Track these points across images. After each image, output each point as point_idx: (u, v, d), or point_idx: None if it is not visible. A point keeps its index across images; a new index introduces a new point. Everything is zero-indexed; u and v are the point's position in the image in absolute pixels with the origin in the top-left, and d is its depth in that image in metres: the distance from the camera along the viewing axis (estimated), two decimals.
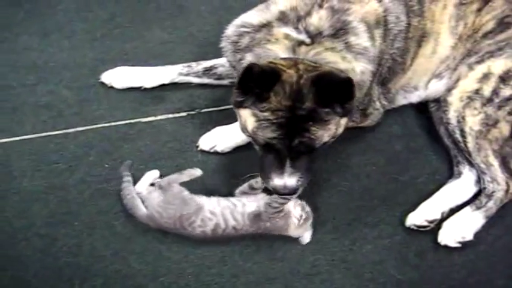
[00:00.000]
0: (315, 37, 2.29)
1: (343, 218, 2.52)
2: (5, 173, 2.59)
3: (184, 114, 2.83)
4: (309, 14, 2.33)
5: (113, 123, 2.78)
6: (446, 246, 2.43)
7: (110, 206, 2.50)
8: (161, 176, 2.49)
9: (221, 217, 2.33)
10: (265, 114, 2.16)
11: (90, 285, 2.31)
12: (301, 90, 2.12)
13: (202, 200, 2.38)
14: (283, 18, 2.35)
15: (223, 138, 2.66)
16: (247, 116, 2.22)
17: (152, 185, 2.46)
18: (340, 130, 2.29)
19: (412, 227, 2.48)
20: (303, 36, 2.29)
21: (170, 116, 2.82)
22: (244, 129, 2.29)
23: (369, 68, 2.39)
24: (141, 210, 2.38)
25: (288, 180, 2.22)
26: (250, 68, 2.09)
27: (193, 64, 2.92)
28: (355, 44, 2.34)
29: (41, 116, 2.79)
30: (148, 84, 2.89)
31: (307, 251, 2.42)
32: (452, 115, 2.53)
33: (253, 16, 2.44)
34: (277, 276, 2.37)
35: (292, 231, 2.37)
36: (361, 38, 2.36)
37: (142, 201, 2.40)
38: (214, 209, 2.34)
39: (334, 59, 2.28)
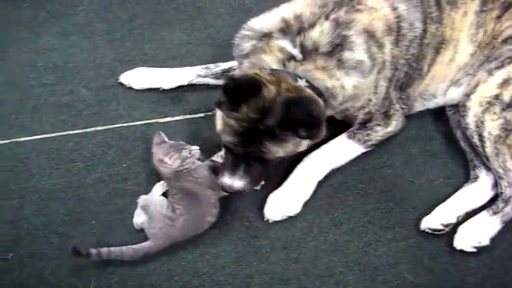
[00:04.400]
0: (309, 53, 2.35)
1: (358, 220, 2.52)
2: (25, 171, 2.63)
3: (201, 115, 2.85)
4: (312, 26, 2.37)
5: (130, 123, 2.80)
6: (461, 251, 2.42)
7: (126, 205, 2.52)
8: None
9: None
10: (231, 121, 2.29)
11: (106, 283, 2.33)
12: (271, 108, 2.21)
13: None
14: (285, 28, 2.40)
15: None
16: (218, 117, 2.38)
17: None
18: (301, 149, 2.42)
19: (427, 230, 2.47)
20: (295, 51, 2.35)
21: (188, 116, 2.84)
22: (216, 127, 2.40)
23: (362, 81, 2.42)
24: (145, 245, 2.36)
25: (235, 182, 2.38)
26: (235, 80, 2.25)
27: (212, 66, 2.93)
28: (348, 59, 2.38)
29: (61, 115, 2.82)
30: (167, 85, 2.91)
31: (321, 253, 2.43)
32: (471, 120, 2.53)
33: (259, 22, 2.50)
34: (291, 277, 2.37)
35: None
36: (356, 52, 2.39)
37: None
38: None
39: (321, 76, 2.34)
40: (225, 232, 2.47)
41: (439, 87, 2.71)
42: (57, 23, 3.19)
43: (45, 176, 2.61)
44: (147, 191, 2.52)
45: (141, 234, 2.41)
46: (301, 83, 2.30)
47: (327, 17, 2.38)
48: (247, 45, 2.47)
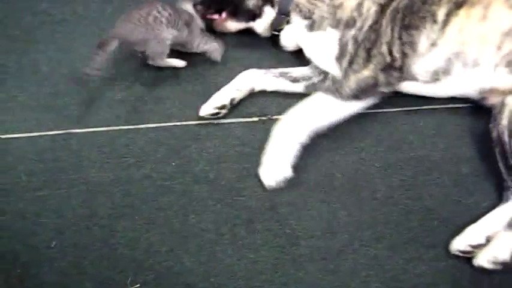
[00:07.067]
0: None
1: (401, 236, 2.46)
2: (75, 163, 2.67)
3: (255, 119, 2.84)
4: None
5: (184, 123, 2.82)
6: (503, 275, 2.32)
7: (170, 204, 2.53)
8: None
9: None
10: None
11: (142, 279, 2.34)
12: None
13: None
14: None
15: None
16: None
17: None
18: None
19: (457, 253, 2.36)
20: None
21: (241, 120, 2.84)
22: None
23: None
24: None
25: None
26: None
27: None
28: None
29: (116, 110, 2.86)
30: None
31: (359, 266, 2.38)
32: (505, 115, 2.44)
33: None
34: None
35: None
36: None
37: None
38: None
39: None
40: (266, 238, 2.45)
41: (481, 52, 2.54)
42: None
43: (94, 168, 2.65)
44: (193, 190, 2.55)
45: (183, 234, 2.43)
46: None
47: None
48: None
